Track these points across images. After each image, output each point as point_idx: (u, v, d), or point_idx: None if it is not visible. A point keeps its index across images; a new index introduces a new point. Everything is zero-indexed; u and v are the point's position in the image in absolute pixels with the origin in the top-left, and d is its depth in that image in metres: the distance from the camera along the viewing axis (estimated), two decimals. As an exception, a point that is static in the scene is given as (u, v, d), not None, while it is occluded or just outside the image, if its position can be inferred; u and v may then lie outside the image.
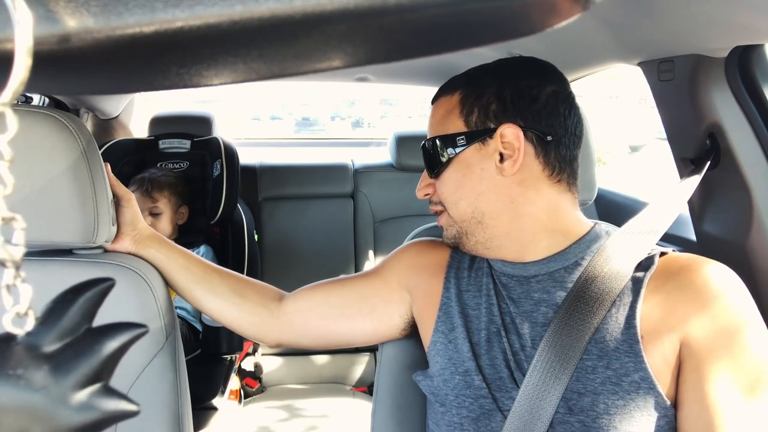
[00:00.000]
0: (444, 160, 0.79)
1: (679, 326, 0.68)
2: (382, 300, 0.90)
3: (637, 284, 0.72)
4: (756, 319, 0.68)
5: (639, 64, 1.16)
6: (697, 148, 1.10)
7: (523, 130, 0.75)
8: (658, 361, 0.68)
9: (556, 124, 0.76)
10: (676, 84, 1.08)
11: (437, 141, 0.79)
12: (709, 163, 1.05)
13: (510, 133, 0.75)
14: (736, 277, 0.70)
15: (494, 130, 0.75)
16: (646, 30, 0.98)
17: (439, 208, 0.83)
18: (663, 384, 0.68)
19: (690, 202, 1.20)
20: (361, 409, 2.02)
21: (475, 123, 0.77)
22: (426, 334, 0.87)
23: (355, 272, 2.31)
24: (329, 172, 2.39)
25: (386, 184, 2.37)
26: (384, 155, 2.48)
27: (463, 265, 0.87)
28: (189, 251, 0.96)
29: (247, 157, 2.26)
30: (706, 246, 1.18)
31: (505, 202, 0.77)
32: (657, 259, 0.74)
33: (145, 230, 0.93)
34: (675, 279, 0.71)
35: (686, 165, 1.14)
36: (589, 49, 1.21)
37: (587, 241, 0.78)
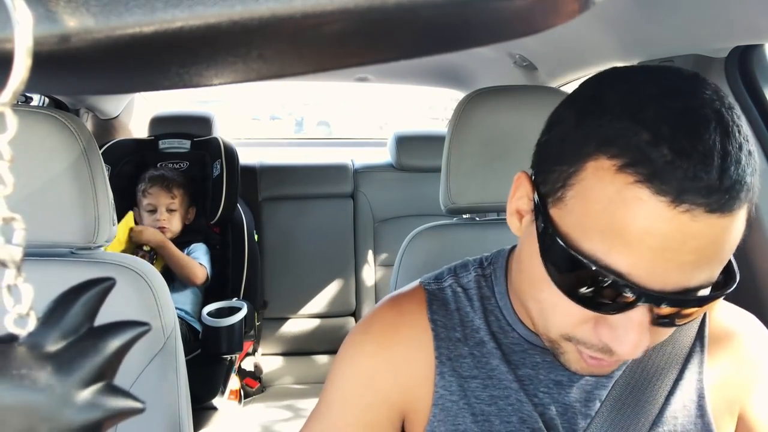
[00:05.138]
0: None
1: (736, 398, 0.62)
2: None
3: (697, 353, 0.62)
4: None
5: (639, 64, 1.16)
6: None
7: None
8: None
9: None
10: (676, 84, 1.08)
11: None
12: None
13: None
14: None
15: None
16: (646, 30, 0.98)
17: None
18: None
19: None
20: (361, 409, 2.02)
21: None
22: (412, 427, 0.64)
23: (355, 272, 2.32)
24: (329, 172, 2.39)
25: (386, 184, 2.37)
26: (384, 155, 2.48)
27: (453, 335, 0.63)
28: None
29: (247, 157, 2.27)
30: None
31: None
32: (707, 322, 0.64)
33: None
34: (728, 347, 0.63)
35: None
36: (589, 49, 1.21)
37: None
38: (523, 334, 0.62)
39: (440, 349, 0.62)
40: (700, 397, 0.60)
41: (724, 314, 0.65)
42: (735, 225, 0.46)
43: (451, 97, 2.65)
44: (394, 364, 0.63)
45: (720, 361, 0.62)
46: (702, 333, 0.63)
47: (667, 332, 0.52)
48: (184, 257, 1.81)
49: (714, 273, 0.47)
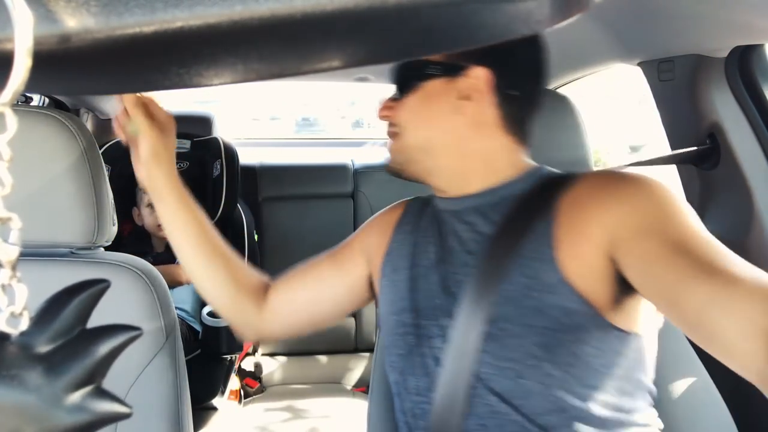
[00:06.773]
0: (412, 84, 0.78)
1: (602, 227, 0.68)
2: (352, 274, 0.92)
3: (555, 199, 0.74)
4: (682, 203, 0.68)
5: (639, 64, 1.16)
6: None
7: (495, 77, 0.76)
8: (578, 266, 0.69)
9: (525, 81, 0.78)
10: (676, 84, 1.08)
11: (410, 64, 0.78)
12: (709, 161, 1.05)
13: (480, 76, 0.75)
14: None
15: (466, 69, 0.76)
16: (646, 30, 0.98)
17: (395, 130, 0.82)
18: (586, 289, 0.68)
19: (690, 202, 1.20)
20: (361, 409, 2.02)
21: (450, 56, 0.77)
22: (377, 286, 0.89)
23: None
24: (329, 172, 2.39)
25: (386, 184, 2.37)
26: (384, 155, 2.48)
27: (414, 210, 0.91)
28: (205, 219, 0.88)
29: (247, 157, 2.27)
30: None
31: (455, 139, 0.78)
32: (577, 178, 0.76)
33: (163, 176, 0.84)
34: (594, 187, 0.72)
35: (686, 165, 1.14)
36: (589, 49, 1.21)
37: (524, 178, 0.79)
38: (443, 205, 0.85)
39: (402, 222, 0.90)
40: (545, 227, 0.72)
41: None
42: None
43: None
44: (379, 226, 0.93)
45: (579, 199, 0.72)
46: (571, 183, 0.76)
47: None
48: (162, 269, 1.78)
49: None
